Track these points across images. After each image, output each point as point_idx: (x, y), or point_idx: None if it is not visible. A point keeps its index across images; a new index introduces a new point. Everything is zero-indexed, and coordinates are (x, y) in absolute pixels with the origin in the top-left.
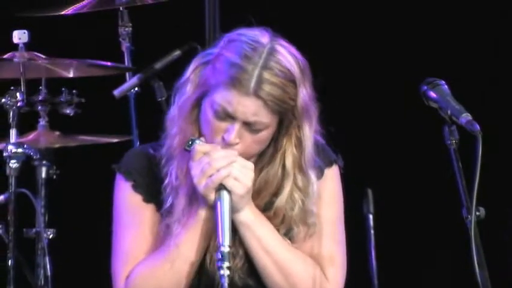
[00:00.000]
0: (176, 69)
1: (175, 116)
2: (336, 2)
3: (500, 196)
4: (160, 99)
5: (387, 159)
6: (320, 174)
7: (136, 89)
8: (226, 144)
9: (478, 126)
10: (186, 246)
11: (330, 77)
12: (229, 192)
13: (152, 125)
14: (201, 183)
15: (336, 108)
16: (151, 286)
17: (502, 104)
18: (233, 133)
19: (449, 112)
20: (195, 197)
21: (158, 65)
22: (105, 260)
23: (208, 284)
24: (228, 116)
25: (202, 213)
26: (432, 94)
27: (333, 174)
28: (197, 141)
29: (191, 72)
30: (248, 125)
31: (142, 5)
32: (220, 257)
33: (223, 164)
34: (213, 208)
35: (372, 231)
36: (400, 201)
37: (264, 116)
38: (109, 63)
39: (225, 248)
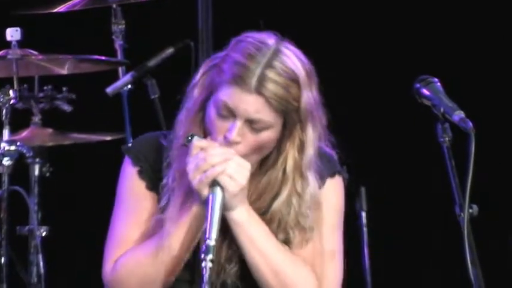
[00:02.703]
0: (169, 67)
1: (183, 118)
2: (328, 1)
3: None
4: (153, 96)
5: (380, 157)
6: (322, 183)
7: (129, 86)
8: (228, 143)
9: (471, 124)
10: (174, 240)
11: (323, 74)
12: (222, 189)
13: (145, 123)
14: (195, 178)
15: (328, 106)
16: (136, 276)
17: (495, 102)
18: (234, 131)
19: (442, 110)
20: (190, 196)
21: (151, 63)
22: (99, 258)
23: (198, 279)
24: (230, 114)
25: (195, 209)
26: (425, 92)
27: (335, 184)
28: (196, 137)
29: (200, 76)
30: (250, 124)
31: (135, 3)
32: (205, 249)
33: (218, 161)
34: (205, 205)
35: (365, 229)
36: (393, 199)
37: (266, 114)
38: (103, 57)
39: (211, 242)
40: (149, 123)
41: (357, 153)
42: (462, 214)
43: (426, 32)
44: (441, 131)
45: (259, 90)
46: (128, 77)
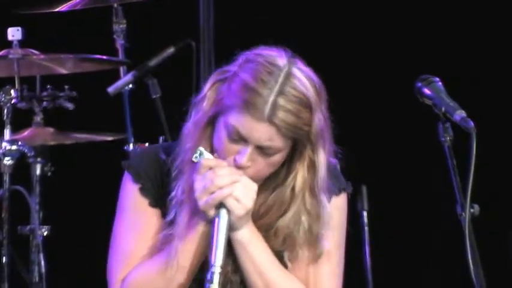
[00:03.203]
0: (170, 67)
1: (190, 131)
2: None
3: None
4: (154, 96)
5: (382, 156)
6: (328, 200)
7: (130, 86)
8: (238, 167)
9: (472, 123)
10: (182, 257)
11: (324, 73)
12: (228, 211)
13: (146, 122)
14: (201, 199)
15: (329, 105)
16: None
17: (497, 101)
18: (245, 157)
19: (443, 109)
20: (197, 212)
21: (152, 62)
22: (100, 257)
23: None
24: (241, 139)
25: (201, 227)
26: (426, 91)
27: (340, 203)
28: (205, 154)
29: (208, 89)
30: (261, 149)
31: (136, 2)
32: (209, 277)
33: (226, 183)
34: (211, 224)
35: (366, 228)
36: (394, 198)
37: (277, 141)
38: (104, 57)
39: (216, 269)
40: (150, 122)
41: (358, 152)
42: (463, 213)
43: (428, 31)
44: (442, 130)
45: (271, 119)
46: (129, 77)
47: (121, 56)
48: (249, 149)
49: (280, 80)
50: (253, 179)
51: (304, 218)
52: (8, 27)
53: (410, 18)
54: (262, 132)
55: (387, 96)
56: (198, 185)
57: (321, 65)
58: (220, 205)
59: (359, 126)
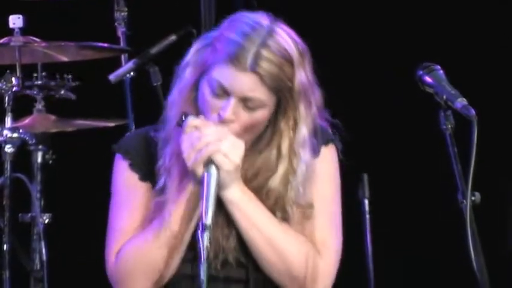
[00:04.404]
0: (172, 54)
1: (175, 99)
2: None
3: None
4: (155, 84)
5: (383, 144)
6: (316, 152)
7: (132, 73)
8: (222, 121)
9: (473, 111)
10: (174, 221)
11: (325, 62)
12: (217, 167)
13: (148, 110)
14: (189, 158)
15: (331, 93)
16: (140, 261)
17: (498, 89)
18: (228, 109)
19: (444, 97)
20: (186, 176)
21: (154, 50)
22: (101, 245)
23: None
24: (224, 93)
25: (191, 189)
26: (428, 79)
27: (328, 152)
28: (190, 116)
29: (191, 56)
30: (244, 102)
31: None
32: (201, 228)
33: (213, 139)
34: (200, 184)
35: (368, 216)
36: (396, 186)
37: (260, 93)
38: (105, 45)
39: (207, 221)
40: (151, 110)
41: (359, 140)
42: (464, 201)
43: (430, 19)
44: (444, 118)
45: (254, 69)
46: (130, 64)
47: (122, 43)
48: (232, 101)
49: (263, 34)
50: (239, 137)
51: (292, 178)
52: (9, 15)
53: (412, 4)
54: (244, 82)
55: (389, 84)
56: (185, 144)
57: (323, 54)
58: (209, 163)
59: (360, 114)
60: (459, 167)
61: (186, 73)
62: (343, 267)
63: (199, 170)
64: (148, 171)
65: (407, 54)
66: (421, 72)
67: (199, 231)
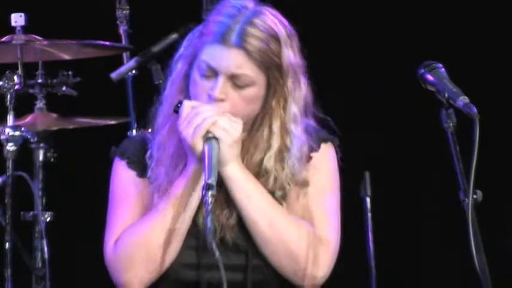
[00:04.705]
0: (174, 53)
1: (168, 91)
2: None
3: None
4: (157, 82)
5: (385, 143)
6: (317, 146)
7: (133, 71)
8: (213, 101)
9: (475, 109)
10: (173, 202)
11: (326, 59)
12: (217, 141)
13: (149, 108)
14: (189, 133)
15: (333, 90)
16: (138, 247)
17: (500, 87)
18: (217, 88)
19: (446, 95)
20: (178, 160)
21: (156, 48)
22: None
23: (204, 245)
24: (213, 73)
25: (190, 168)
26: (429, 77)
27: (327, 149)
28: (186, 101)
29: (182, 49)
30: (233, 80)
31: None
32: (205, 186)
33: (211, 114)
34: (200, 162)
35: (369, 214)
36: (397, 184)
37: (248, 69)
38: (107, 43)
39: (212, 181)
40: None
41: (361, 138)
42: (466, 200)
43: (432, 17)
44: (445, 116)
45: (239, 44)
46: (132, 63)
47: (124, 41)
48: (220, 80)
49: (249, 14)
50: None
51: (286, 155)
52: (11, 13)
53: (414, 2)
54: (231, 58)
55: (390, 82)
56: (183, 123)
57: (326, 52)
58: (208, 137)
59: (362, 112)
60: (461, 165)
61: (178, 65)
62: (345, 264)
63: (200, 146)
64: (145, 168)
65: (409, 52)
66: (423, 70)
67: (203, 190)
